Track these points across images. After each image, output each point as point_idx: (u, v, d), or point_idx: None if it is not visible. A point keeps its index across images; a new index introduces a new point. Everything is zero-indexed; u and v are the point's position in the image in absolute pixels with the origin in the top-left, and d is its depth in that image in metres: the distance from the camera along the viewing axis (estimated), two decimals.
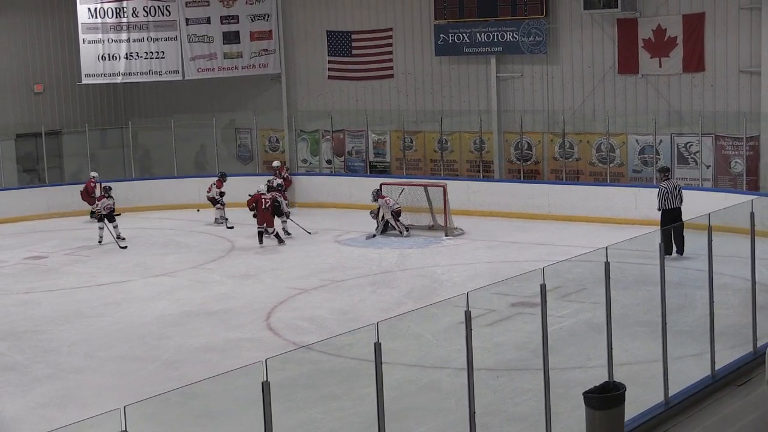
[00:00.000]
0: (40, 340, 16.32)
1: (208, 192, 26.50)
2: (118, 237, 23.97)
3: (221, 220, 25.87)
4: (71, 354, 15.58)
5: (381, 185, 24.78)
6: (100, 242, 24.08)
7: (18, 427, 12.40)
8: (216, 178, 26.81)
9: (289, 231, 23.98)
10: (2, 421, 12.34)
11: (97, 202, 25.21)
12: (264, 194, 23.48)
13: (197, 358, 15.07)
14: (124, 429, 7.37)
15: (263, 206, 23.17)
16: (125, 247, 23.50)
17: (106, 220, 24.05)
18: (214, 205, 26.34)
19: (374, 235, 23.54)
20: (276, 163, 28.35)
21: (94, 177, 27.57)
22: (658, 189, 20.64)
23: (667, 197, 20.25)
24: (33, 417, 12.88)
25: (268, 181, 25.82)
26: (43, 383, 14.23)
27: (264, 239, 23.08)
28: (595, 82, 25.61)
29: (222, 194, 26.17)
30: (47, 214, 28.22)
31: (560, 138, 26.00)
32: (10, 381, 14.35)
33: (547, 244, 22.03)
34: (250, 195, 23.99)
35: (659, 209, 20.37)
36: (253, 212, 23.51)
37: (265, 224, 23.22)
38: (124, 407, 7.28)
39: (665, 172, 21.10)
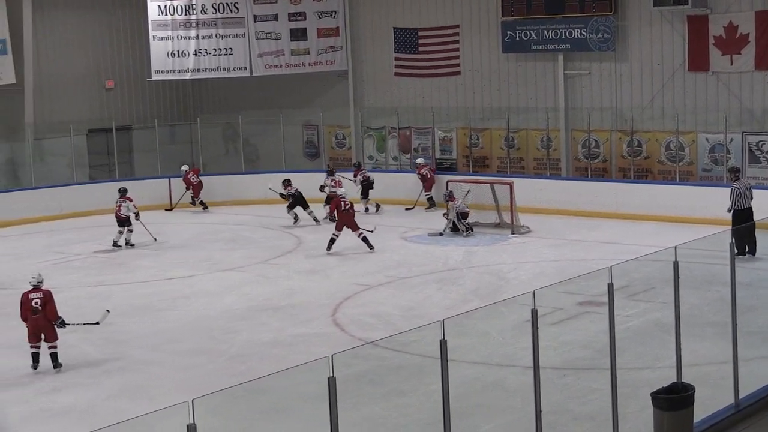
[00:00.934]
0: (111, 333, 16.54)
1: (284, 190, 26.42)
2: (128, 242, 23.63)
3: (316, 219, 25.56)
4: (141, 347, 15.79)
5: (447, 183, 24.77)
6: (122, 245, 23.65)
7: (90, 417, 12.59)
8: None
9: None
10: (3, 422, 12.50)
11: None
12: (343, 197, 22.47)
13: (264, 352, 15.18)
14: (192, 422, 7.45)
15: (343, 208, 22.13)
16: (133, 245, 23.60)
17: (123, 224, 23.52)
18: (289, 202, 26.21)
19: (440, 234, 23.51)
20: (420, 160, 27.94)
21: (185, 169, 28.32)
22: (730, 189, 20.36)
23: (739, 197, 19.98)
24: (103, 408, 13.08)
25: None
26: (113, 375, 14.44)
27: (333, 246, 21.90)
28: (664, 79, 25.33)
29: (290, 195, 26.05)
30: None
31: (628, 136, 25.75)
32: (82, 372, 14.59)
33: (615, 242, 21.84)
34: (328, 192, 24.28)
35: (730, 210, 20.10)
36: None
37: (341, 231, 21.98)
38: (192, 400, 7.36)
39: (735, 172, 20.81)
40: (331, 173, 26.88)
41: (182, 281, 20.19)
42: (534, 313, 9.49)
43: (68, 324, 14.98)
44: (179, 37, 30.15)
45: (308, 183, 26.82)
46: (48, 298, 14.81)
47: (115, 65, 31.72)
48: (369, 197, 27.12)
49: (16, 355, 15.44)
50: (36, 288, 14.88)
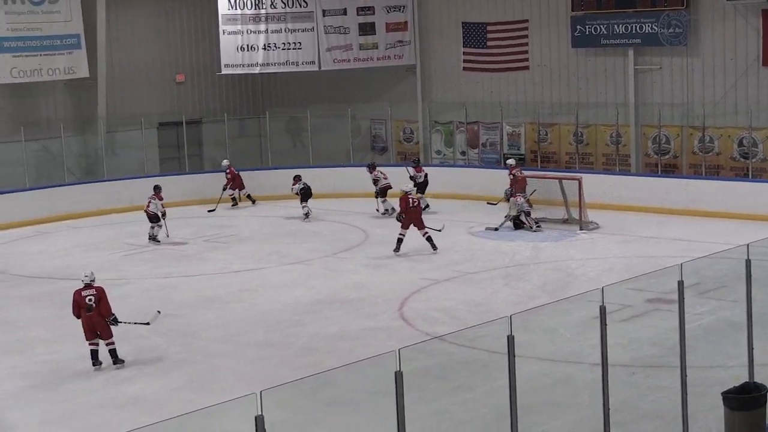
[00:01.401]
0: (179, 324, 16.72)
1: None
2: (153, 237, 23.68)
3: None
4: (208, 338, 15.93)
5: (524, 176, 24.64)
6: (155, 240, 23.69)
7: (157, 408, 12.73)
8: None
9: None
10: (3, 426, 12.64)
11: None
12: (410, 193, 21.82)
13: (330, 345, 15.23)
14: (259, 413, 7.48)
15: (410, 205, 21.48)
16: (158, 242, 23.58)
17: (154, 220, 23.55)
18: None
19: (496, 229, 23.40)
20: (510, 161, 26.41)
21: (227, 164, 28.39)
22: None
23: None
24: (171, 399, 13.22)
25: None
26: (180, 366, 14.59)
27: (401, 247, 21.28)
28: (737, 74, 24.92)
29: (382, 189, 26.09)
30: (186, 201, 28.90)
31: (700, 132, 25.40)
32: (150, 363, 14.75)
33: (685, 239, 21.57)
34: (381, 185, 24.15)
35: None
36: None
37: (408, 229, 21.32)
38: (260, 392, 7.39)
39: None
40: (372, 168, 26.60)
41: (249, 274, 20.33)
42: (602, 310, 9.40)
43: (120, 322, 14.89)
44: (249, 32, 30.35)
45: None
46: (101, 295, 14.78)
47: (186, 59, 32.03)
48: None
49: (85, 345, 15.65)
50: (88, 285, 14.84)
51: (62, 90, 29.62)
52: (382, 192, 25.97)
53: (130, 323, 15.30)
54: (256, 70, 30.77)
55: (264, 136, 31.72)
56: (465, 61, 29.68)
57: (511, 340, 8.78)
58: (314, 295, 18.28)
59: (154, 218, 23.49)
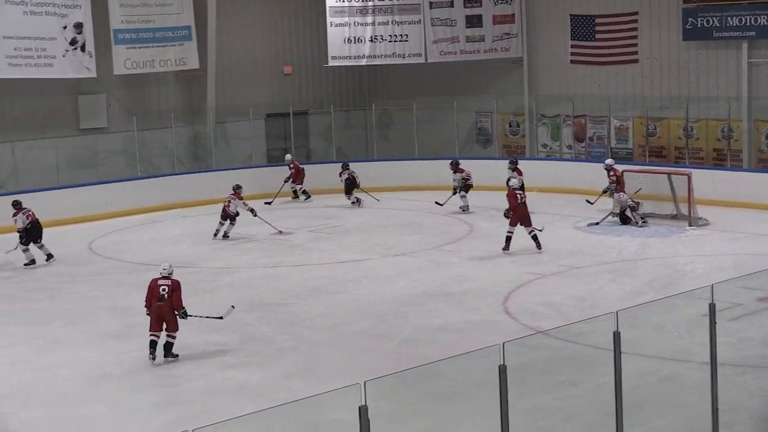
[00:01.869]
0: (285, 313, 16.93)
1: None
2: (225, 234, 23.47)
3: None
4: (314, 328, 16.09)
5: (623, 172, 24.29)
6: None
7: (262, 396, 12.91)
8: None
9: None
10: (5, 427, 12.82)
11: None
12: (517, 189, 21.28)
13: (434, 338, 15.26)
14: (363, 404, 7.54)
15: (519, 201, 20.96)
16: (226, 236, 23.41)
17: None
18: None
19: (597, 223, 23.14)
20: (609, 161, 25.39)
21: (289, 159, 28.58)
22: None
23: None
24: (277, 386, 13.38)
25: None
26: (286, 354, 14.77)
27: (510, 245, 20.68)
28: None
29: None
30: (293, 192, 29.20)
31: None
32: (257, 351, 14.97)
33: None
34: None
35: None
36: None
37: (516, 226, 20.75)
38: (364, 382, 7.44)
39: None
40: (455, 166, 26.22)
41: (355, 265, 20.47)
42: (712, 308, 9.24)
43: (190, 316, 14.89)
44: (356, 24, 30.51)
45: (480, 171, 26.80)
46: (176, 287, 14.81)
47: (294, 51, 32.34)
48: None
49: (197, 331, 15.97)
50: (165, 277, 14.91)
51: (173, 81, 30.19)
52: (465, 188, 25.69)
53: (201, 317, 15.37)
54: (363, 62, 30.92)
55: (370, 128, 31.86)
56: (572, 53, 29.39)
57: (617, 336, 8.70)
58: (418, 287, 18.31)
59: (230, 217, 23.29)
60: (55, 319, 16.97)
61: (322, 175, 29.06)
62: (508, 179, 23.75)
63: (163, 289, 14.74)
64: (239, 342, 15.35)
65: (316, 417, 10.01)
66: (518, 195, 21.03)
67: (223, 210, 23.47)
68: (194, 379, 13.84)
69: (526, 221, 20.86)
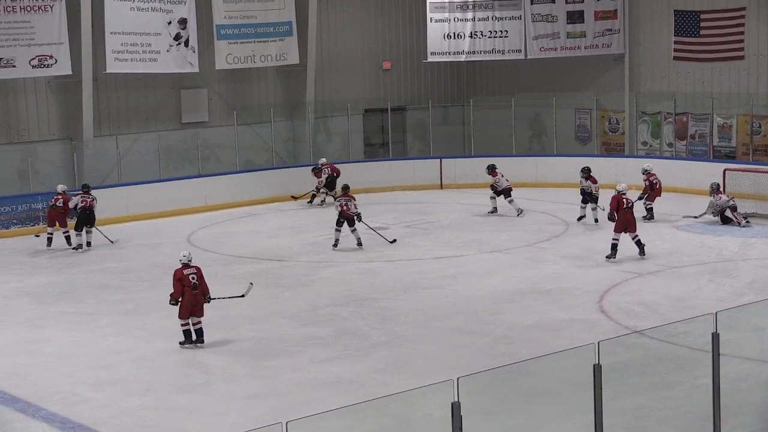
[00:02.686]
0: (379, 308, 16.99)
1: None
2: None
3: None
4: (407, 323, 16.12)
5: (725, 171, 23.86)
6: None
7: (356, 389, 12.98)
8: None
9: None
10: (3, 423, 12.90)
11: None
12: (624, 193, 20.26)
13: (528, 335, 15.17)
14: (456, 400, 7.53)
15: (624, 206, 20.09)
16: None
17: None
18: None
19: (696, 217, 22.81)
20: (646, 166, 24.74)
21: (324, 162, 27.90)
22: None
23: None
24: (370, 381, 13.44)
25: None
26: (380, 349, 14.82)
27: (617, 254, 19.75)
28: None
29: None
30: (390, 187, 29.32)
31: None
32: (351, 345, 15.05)
33: None
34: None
35: None
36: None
37: (621, 232, 19.94)
38: (457, 379, 7.44)
39: None
40: (493, 171, 25.22)
41: (450, 261, 20.44)
42: None
43: (213, 298, 15.39)
44: (456, 20, 30.46)
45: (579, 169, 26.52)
46: (200, 273, 15.23)
47: (393, 47, 32.42)
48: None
49: (292, 324, 16.13)
50: (186, 265, 15.23)
51: (273, 76, 30.51)
52: (506, 192, 25.07)
53: (224, 298, 15.88)
54: (462, 57, 30.85)
55: (467, 124, 31.79)
56: (676, 50, 28.90)
57: (715, 337, 8.55)
58: (513, 284, 18.22)
59: (350, 221, 21.58)
60: (154, 311, 17.29)
61: (418, 171, 29.07)
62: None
63: (193, 277, 15.12)
64: (333, 336, 15.46)
65: (409, 412, 10.01)
66: (624, 199, 20.14)
67: (341, 215, 21.59)
68: (288, 372, 13.97)
69: (631, 226, 20.08)
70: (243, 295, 16.13)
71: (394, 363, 14.19)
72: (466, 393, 7.60)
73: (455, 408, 7.52)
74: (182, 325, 15.13)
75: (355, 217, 21.63)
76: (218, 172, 28.35)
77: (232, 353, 14.89)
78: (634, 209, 20.43)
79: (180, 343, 15.14)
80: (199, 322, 15.14)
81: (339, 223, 21.72)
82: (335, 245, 21.70)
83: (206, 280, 15.38)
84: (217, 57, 28.32)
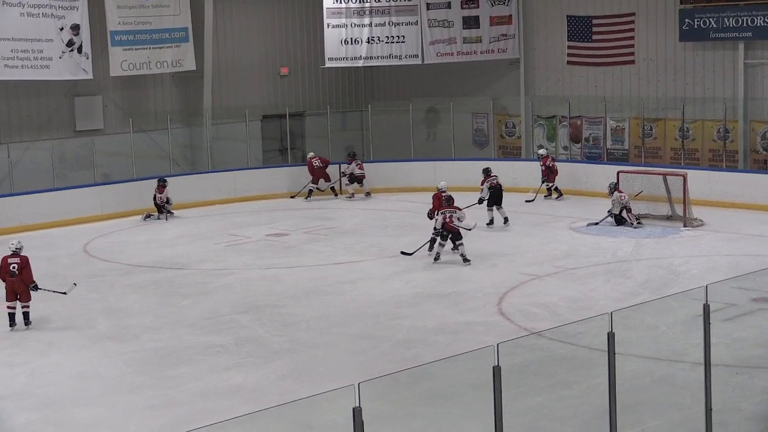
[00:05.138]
0: (280, 315, 16.92)
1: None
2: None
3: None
4: (309, 329, 16.08)
5: (619, 173, 24.34)
6: None
7: (258, 397, 12.91)
8: None
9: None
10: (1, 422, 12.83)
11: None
12: (444, 191, 21.21)
13: (429, 339, 15.25)
14: (357, 405, 7.54)
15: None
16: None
17: None
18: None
19: (596, 223, 23.18)
20: (542, 151, 27.67)
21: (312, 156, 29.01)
22: None
23: None
24: (272, 388, 13.38)
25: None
26: (281, 356, 14.76)
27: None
28: None
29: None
30: (289, 193, 29.23)
31: None
32: (252, 352, 14.96)
33: None
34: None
35: None
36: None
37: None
38: (358, 384, 7.44)
39: None
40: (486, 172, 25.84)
41: (350, 266, 20.46)
42: (706, 309, 9.24)
43: (40, 289, 16.62)
44: (353, 25, 30.51)
45: (477, 172, 26.78)
46: (25, 264, 16.51)
47: (290, 52, 32.35)
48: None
49: (190, 333, 15.97)
50: (14, 254, 16.59)
51: (169, 83, 30.19)
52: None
53: (48, 290, 17.02)
54: (360, 63, 30.92)
55: (366, 129, 31.88)
56: (569, 54, 29.42)
57: (611, 337, 8.70)
58: (413, 289, 18.31)
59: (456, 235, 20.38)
60: (50, 321, 16.96)
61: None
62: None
63: (13, 267, 16.46)
64: (234, 344, 15.35)
65: (311, 418, 10.00)
66: (443, 196, 20.91)
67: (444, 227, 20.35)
68: (189, 381, 13.83)
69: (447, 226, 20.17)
70: (65, 293, 17.10)
71: (295, 369, 14.15)
72: (367, 398, 7.60)
73: (356, 413, 7.52)
74: (7, 308, 16.40)
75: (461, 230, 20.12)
76: (114, 180, 27.93)
77: (131, 363, 14.68)
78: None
79: (9, 326, 16.33)
80: (26, 307, 16.43)
81: (443, 237, 20.19)
82: (436, 259, 20.25)
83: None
84: (111, 63, 27.88)
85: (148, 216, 26.29)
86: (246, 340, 15.57)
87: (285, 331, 16.00)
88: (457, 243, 20.04)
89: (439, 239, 20.31)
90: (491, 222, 23.66)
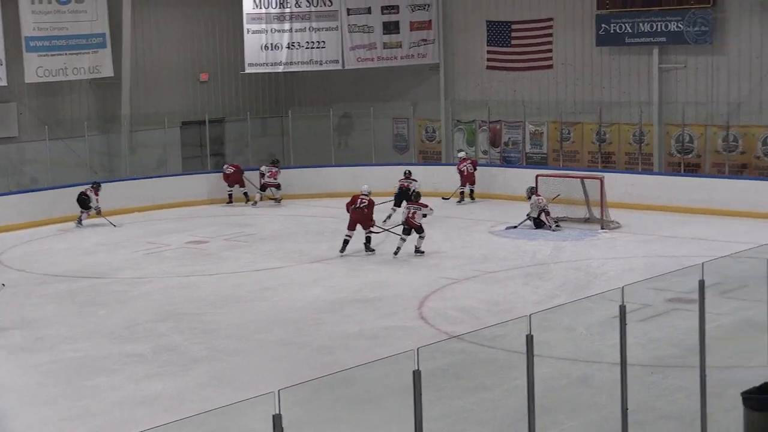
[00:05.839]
0: (200, 322, 16.77)
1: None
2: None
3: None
4: (228, 336, 15.96)
5: (537, 176, 24.60)
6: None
7: (177, 406, 12.78)
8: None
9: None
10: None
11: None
12: (367, 194, 21.82)
13: (350, 344, 15.24)
14: (277, 412, 7.49)
15: (356, 206, 21.57)
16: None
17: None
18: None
19: (515, 227, 23.40)
20: (461, 153, 28.40)
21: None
22: None
23: None
24: (191, 396, 13.25)
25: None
26: (201, 364, 14.63)
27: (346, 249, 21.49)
28: (762, 72, 24.79)
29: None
30: (209, 200, 29.03)
31: (724, 131, 25.28)
32: (171, 361, 14.80)
33: (707, 239, 21.47)
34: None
35: None
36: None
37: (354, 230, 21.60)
38: (278, 391, 7.40)
39: None
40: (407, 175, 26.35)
41: (270, 273, 20.37)
42: (622, 310, 9.36)
43: None
44: (273, 31, 30.40)
45: (397, 177, 26.87)
46: None
47: (210, 58, 32.11)
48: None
49: (108, 343, 15.76)
50: None
51: (87, 89, 29.76)
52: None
53: None
54: (280, 68, 30.82)
55: (286, 135, 31.78)
56: (489, 59, 29.66)
57: (530, 339, 8.76)
58: (334, 294, 18.29)
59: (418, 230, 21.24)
60: None
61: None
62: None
63: None
64: (153, 353, 15.16)
65: (231, 426, 9.92)
66: (359, 200, 21.58)
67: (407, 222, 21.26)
68: (107, 391, 13.63)
69: (364, 225, 21.49)
70: None
71: (215, 377, 14.03)
72: (288, 404, 7.56)
73: (276, 420, 7.48)
74: None
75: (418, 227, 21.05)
76: (30, 188, 27.46)
77: (47, 374, 14.43)
78: (371, 209, 21.53)
79: None
80: None
81: (405, 232, 21.08)
82: (396, 253, 21.05)
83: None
84: (26, 70, 27.38)
85: (80, 221, 25.95)
86: (165, 348, 15.40)
87: (204, 338, 15.86)
88: (419, 236, 21.00)
89: (401, 234, 21.07)
90: (389, 217, 24.44)
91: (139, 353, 15.13)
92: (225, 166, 29.06)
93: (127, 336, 16.11)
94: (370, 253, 21.37)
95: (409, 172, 26.15)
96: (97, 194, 25.97)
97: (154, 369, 14.43)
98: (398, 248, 21.04)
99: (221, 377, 14.02)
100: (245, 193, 28.84)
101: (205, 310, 17.60)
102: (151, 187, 28.57)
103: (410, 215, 21.07)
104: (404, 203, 22.45)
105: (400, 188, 25.21)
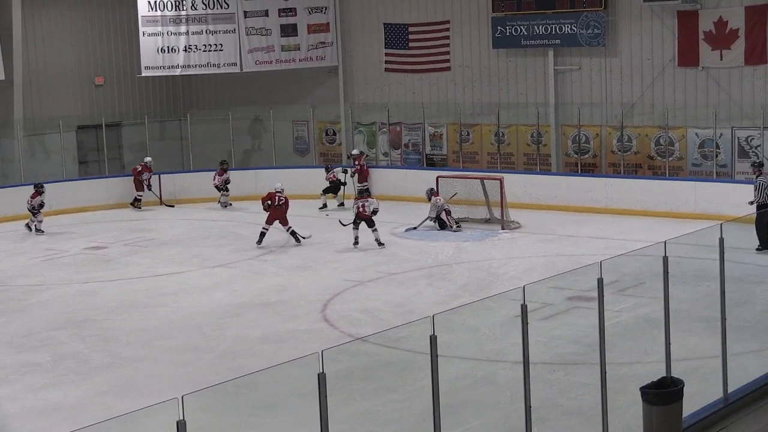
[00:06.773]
0: (100, 329, 16.52)
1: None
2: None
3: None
4: (130, 343, 15.76)
5: (438, 178, 24.78)
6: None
7: (78, 414, 12.56)
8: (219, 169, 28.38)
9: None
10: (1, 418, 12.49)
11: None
12: (279, 192, 22.72)
13: (253, 348, 15.17)
14: (181, 418, 7.43)
15: (276, 203, 22.58)
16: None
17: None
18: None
19: (415, 228, 23.56)
20: (355, 151, 28.70)
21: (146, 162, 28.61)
22: (755, 183, 20.35)
23: (764, 191, 19.98)
24: (93, 404, 13.04)
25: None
26: (102, 372, 14.41)
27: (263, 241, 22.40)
28: (654, 74, 25.36)
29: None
30: (107, 205, 28.57)
31: (618, 131, 25.79)
32: (71, 369, 14.55)
33: (605, 238, 21.88)
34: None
35: (752, 203, 20.11)
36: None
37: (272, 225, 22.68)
38: (182, 397, 7.34)
39: (759, 167, 20.92)
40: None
41: (171, 278, 20.16)
42: (524, 309, 9.48)
43: None
44: (169, 33, 30.07)
45: (297, 179, 26.86)
46: None
47: (105, 61, 31.62)
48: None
49: (6, 352, 15.43)
50: None
51: None
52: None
53: None
54: (177, 71, 30.50)
55: (185, 139, 31.45)
56: (387, 62, 29.77)
57: (433, 340, 8.81)
58: (236, 298, 18.17)
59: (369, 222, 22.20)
60: None
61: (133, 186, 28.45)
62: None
63: None
64: (52, 361, 14.89)
65: None
66: (277, 197, 22.62)
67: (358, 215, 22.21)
68: (5, 401, 13.34)
69: (282, 221, 22.61)
70: None
71: (117, 385, 13.84)
72: (192, 410, 7.49)
73: (180, 426, 7.41)
74: None
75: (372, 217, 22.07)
76: None
77: None
78: (288, 206, 22.66)
79: None
80: None
81: (356, 223, 22.11)
82: (356, 243, 21.97)
83: None
84: None
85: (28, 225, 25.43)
86: (64, 356, 15.13)
87: (105, 345, 15.63)
88: (372, 229, 21.92)
89: (353, 225, 22.09)
90: (324, 206, 26.70)
91: (37, 362, 14.84)
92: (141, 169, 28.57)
93: (25, 344, 15.79)
94: (300, 242, 22.49)
95: (329, 166, 28.04)
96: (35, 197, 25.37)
97: (54, 378, 14.17)
98: (356, 237, 22.03)
99: (124, 384, 13.83)
100: (137, 199, 28.36)
101: (106, 316, 17.34)
102: (46, 192, 27.96)
103: (360, 208, 22.04)
104: (353, 200, 23.53)
105: (330, 181, 27.29)
